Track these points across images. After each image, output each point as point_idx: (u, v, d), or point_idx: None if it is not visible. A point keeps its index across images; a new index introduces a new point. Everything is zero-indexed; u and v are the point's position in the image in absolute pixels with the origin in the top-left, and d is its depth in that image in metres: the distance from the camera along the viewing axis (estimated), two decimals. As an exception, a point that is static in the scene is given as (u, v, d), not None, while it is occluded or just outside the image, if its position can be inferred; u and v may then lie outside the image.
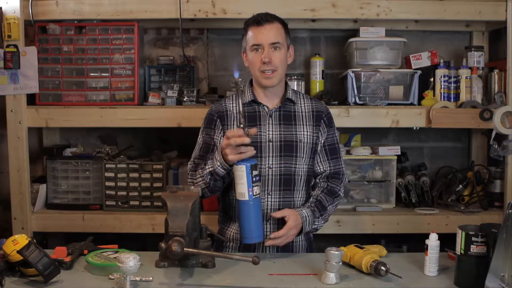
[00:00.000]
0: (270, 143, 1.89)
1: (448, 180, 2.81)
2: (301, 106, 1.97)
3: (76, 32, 2.65)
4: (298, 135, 1.92)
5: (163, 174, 2.63)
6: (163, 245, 1.45)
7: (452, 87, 2.64)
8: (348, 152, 2.76)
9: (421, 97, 2.64)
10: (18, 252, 1.42)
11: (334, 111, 2.54)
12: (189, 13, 2.53)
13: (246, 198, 1.64)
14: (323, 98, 2.67)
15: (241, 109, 1.66)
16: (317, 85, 2.80)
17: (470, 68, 2.63)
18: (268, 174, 1.88)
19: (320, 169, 1.98)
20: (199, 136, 1.99)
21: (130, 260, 1.35)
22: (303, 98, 2.01)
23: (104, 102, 2.64)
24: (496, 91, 2.63)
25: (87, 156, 2.76)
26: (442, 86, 2.64)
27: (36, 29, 2.59)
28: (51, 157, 2.72)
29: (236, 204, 1.84)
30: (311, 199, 1.95)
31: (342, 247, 1.57)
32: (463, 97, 2.60)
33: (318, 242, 2.96)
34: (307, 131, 1.94)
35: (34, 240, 1.47)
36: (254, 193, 1.64)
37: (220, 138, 1.92)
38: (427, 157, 3.04)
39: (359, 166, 2.75)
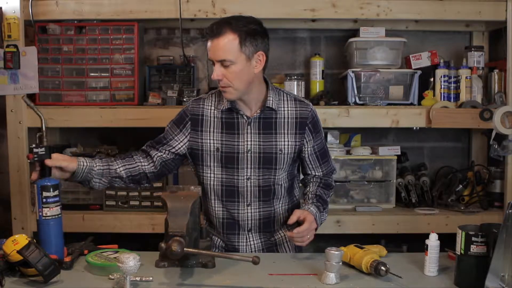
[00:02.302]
0: (249, 154, 1.80)
1: (448, 180, 2.82)
2: (284, 112, 1.83)
3: (76, 32, 2.65)
4: (278, 146, 1.82)
5: (163, 174, 2.63)
6: (163, 245, 1.45)
7: (452, 87, 2.64)
8: (348, 152, 2.76)
9: (421, 97, 2.65)
10: (18, 252, 1.42)
11: (334, 111, 2.56)
12: (189, 13, 2.53)
13: (37, 217, 1.61)
14: (323, 98, 2.67)
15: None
16: (317, 85, 2.80)
17: (470, 68, 2.63)
18: (247, 186, 1.82)
19: (312, 173, 1.94)
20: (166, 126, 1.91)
21: (130, 260, 1.35)
22: (287, 100, 1.85)
23: (104, 102, 2.64)
24: (496, 91, 2.63)
25: (87, 156, 2.75)
26: (442, 86, 2.64)
27: (36, 29, 2.59)
28: (50, 155, 2.71)
29: (214, 214, 1.87)
30: (309, 195, 1.90)
31: (342, 247, 1.57)
32: (463, 97, 2.60)
33: (318, 242, 2.96)
34: (288, 141, 1.83)
35: (34, 240, 1.47)
36: (44, 214, 1.59)
37: (184, 145, 1.84)
38: (427, 157, 3.04)
39: (359, 166, 2.75)
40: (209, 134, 1.82)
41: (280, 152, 1.82)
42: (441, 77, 2.64)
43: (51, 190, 1.61)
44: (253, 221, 1.85)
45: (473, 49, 2.69)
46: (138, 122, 2.57)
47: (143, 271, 1.49)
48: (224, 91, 1.76)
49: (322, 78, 2.81)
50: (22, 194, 2.55)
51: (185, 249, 1.41)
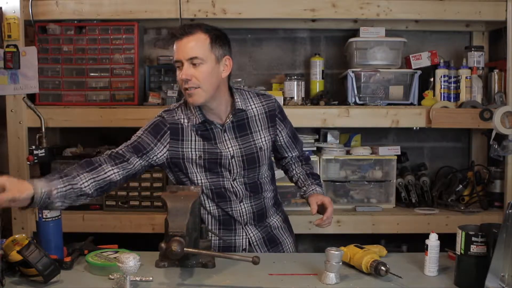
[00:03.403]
0: (233, 159, 1.81)
1: (448, 180, 2.82)
2: (253, 110, 1.85)
3: (76, 32, 2.65)
4: (257, 144, 1.85)
5: (163, 174, 2.63)
6: (163, 245, 1.45)
7: (452, 87, 2.64)
8: (348, 152, 2.76)
9: (421, 97, 2.65)
10: (18, 252, 1.42)
11: (334, 111, 2.56)
12: (189, 13, 2.53)
13: (37, 219, 1.61)
14: (323, 98, 2.67)
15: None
16: (317, 85, 2.80)
17: (470, 68, 2.63)
18: (234, 186, 1.84)
19: (289, 155, 2.01)
20: (135, 134, 1.80)
21: (130, 260, 1.35)
22: (252, 98, 1.87)
23: (104, 102, 2.64)
24: (496, 91, 2.63)
25: (87, 156, 2.75)
26: (442, 86, 2.64)
27: (36, 29, 2.59)
28: (50, 157, 2.72)
29: (204, 211, 1.87)
30: (301, 176, 1.99)
31: (342, 247, 1.57)
32: (463, 97, 2.60)
33: (318, 242, 2.97)
34: (264, 136, 1.86)
35: (34, 240, 1.47)
36: (44, 216, 1.59)
37: (163, 155, 1.77)
38: (427, 157, 3.05)
39: (359, 166, 2.75)
40: (190, 143, 1.79)
41: (260, 149, 1.86)
42: (441, 77, 2.64)
43: None
44: (247, 215, 1.88)
45: (473, 49, 2.69)
46: (138, 122, 2.56)
47: (143, 271, 1.49)
48: (190, 95, 1.70)
49: (322, 78, 2.81)
50: (22, 194, 2.54)
51: (185, 249, 1.41)
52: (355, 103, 2.62)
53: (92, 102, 2.64)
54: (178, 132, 1.78)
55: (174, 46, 1.70)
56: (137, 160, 1.74)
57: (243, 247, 1.89)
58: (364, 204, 2.74)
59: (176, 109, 1.83)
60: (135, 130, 2.80)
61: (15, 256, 1.43)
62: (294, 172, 2.02)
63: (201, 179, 1.83)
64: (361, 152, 2.72)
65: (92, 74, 2.66)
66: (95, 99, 2.65)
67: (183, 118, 1.80)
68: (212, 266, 1.59)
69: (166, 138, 1.77)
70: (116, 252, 1.62)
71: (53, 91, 2.66)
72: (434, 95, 2.65)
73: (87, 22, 2.64)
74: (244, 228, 1.88)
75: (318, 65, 2.80)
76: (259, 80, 2.99)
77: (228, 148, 1.81)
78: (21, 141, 2.53)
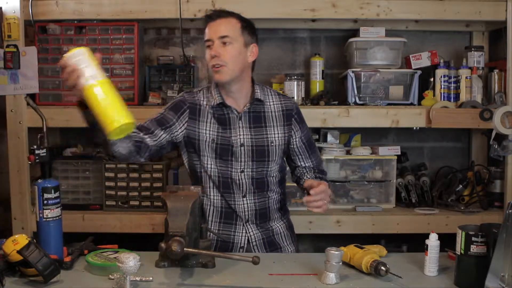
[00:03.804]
0: (242, 148, 1.86)
1: (448, 180, 2.82)
2: (270, 106, 1.92)
3: (76, 32, 2.65)
4: (269, 138, 1.89)
5: (163, 174, 2.63)
6: (163, 245, 1.45)
7: (452, 87, 2.64)
8: (348, 152, 2.76)
9: (421, 97, 2.65)
10: (18, 252, 1.41)
11: (334, 111, 2.56)
12: (189, 13, 2.53)
13: (38, 219, 1.60)
14: (323, 98, 2.67)
15: None
16: (317, 85, 2.80)
17: (470, 68, 2.63)
18: (241, 178, 1.86)
19: (302, 164, 1.99)
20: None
21: (130, 260, 1.35)
22: (271, 95, 1.95)
23: (104, 102, 2.63)
24: (496, 91, 2.63)
25: (87, 156, 2.76)
26: (442, 86, 2.64)
27: (36, 29, 2.59)
28: (51, 157, 2.72)
29: (208, 201, 1.88)
30: (308, 176, 1.96)
31: (342, 247, 1.57)
32: (463, 97, 2.60)
33: (318, 242, 2.97)
34: (278, 133, 1.90)
35: (34, 240, 1.47)
36: (45, 216, 1.59)
37: (181, 132, 1.86)
38: (427, 157, 3.05)
39: (359, 166, 2.75)
40: (205, 125, 1.86)
41: (271, 144, 1.88)
42: (441, 77, 2.64)
43: (52, 191, 1.61)
44: (249, 212, 1.89)
45: (473, 49, 2.69)
46: (138, 122, 2.56)
47: (143, 271, 1.49)
48: (217, 71, 1.80)
49: (322, 78, 2.81)
50: (22, 194, 2.55)
51: (185, 249, 1.41)
52: (355, 103, 2.62)
53: (92, 102, 2.64)
54: (196, 112, 1.87)
55: (206, 28, 1.82)
56: (161, 133, 1.82)
57: (241, 245, 1.89)
58: (364, 204, 2.74)
59: (198, 92, 1.92)
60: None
61: (15, 256, 1.43)
62: (306, 178, 1.97)
63: (211, 165, 1.86)
64: (361, 152, 2.72)
65: (92, 74, 2.65)
66: (95, 99, 2.65)
67: (203, 100, 1.89)
68: (212, 266, 1.59)
69: (185, 116, 1.86)
70: (116, 252, 1.62)
71: (53, 91, 2.66)
72: (434, 95, 2.65)
73: (87, 22, 2.64)
74: (244, 225, 1.89)
75: (318, 65, 2.80)
76: (259, 80, 2.93)
77: (239, 135, 1.86)
78: (21, 141, 2.54)
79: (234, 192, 1.87)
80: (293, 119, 1.93)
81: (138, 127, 1.78)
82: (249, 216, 1.89)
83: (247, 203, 1.88)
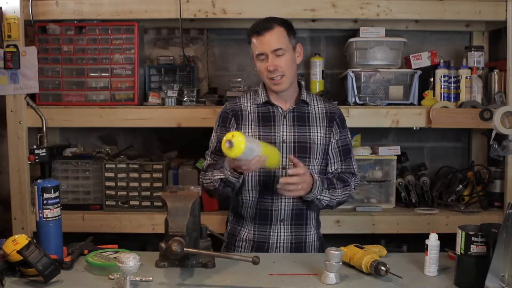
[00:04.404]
0: (284, 144, 1.90)
1: (448, 180, 2.81)
2: (314, 108, 1.97)
3: (76, 32, 2.65)
4: (311, 136, 1.92)
5: (163, 174, 2.63)
6: (163, 245, 1.45)
7: (452, 87, 2.64)
8: (348, 152, 2.76)
9: (421, 97, 2.64)
10: (18, 252, 1.42)
11: (334, 111, 2.55)
12: (189, 13, 2.53)
13: (37, 219, 1.61)
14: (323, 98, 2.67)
15: None
16: (317, 85, 2.80)
17: (470, 68, 2.63)
18: (282, 175, 1.87)
19: (331, 169, 1.98)
20: (212, 134, 1.99)
21: (130, 260, 1.35)
22: (317, 100, 2.01)
23: (104, 102, 2.64)
24: (496, 91, 2.63)
25: (87, 156, 2.76)
26: (442, 86, 2.64)
27: (36, 29, 2.59)
28: (51, 157, 2.72)
29: (246, 204, 1.91)
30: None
31: (342, 247, 1.57)
32: (463, 97, 2.60)
33: (318, 242, 2.97)
34: (320, 133, 1.94)
35: (34, 240, 1.47)
36: (45, 216, 1.59)
37: None
38: (427, 157, 3.04)
39: (359, 166, 2.74)
40: (247, 127, 1.92)
41: (313, 142, 1.92)
42: (441, 77, 2.64)
43: (52, 191, 1.61)
44: (286, 211, 1.90)
45: (473, 49, 2.69)
46: (138, 122, 2.57)
47: (143, 271, 1.49)
48: (277, 83, 1.87)
49: (322, 78, 2.81)
50: (22, 194, 2.55)
51: (185, 249, 1.41)
52: (355, 103, 2.62)
53: (92, 102, 2.64)
54: (239, 117, 1.95)
55: (254, 41, 1.87)
56: None
57: (277, 245, 1.90)
58: (364, 204, 2.74)
59: (241, 97, 2.01)
60: (135, 130, 2.80)
61: (15, 256, 1.43)
62: None
63: None
64: (361, 152, 2.72)
65: (92, 74, 2.65)
66: (95, 99, 2.65)
67: (246, 103, 1.97)
68: (212, 266, 1.59)
69: (233, 123, 1.95)
70: (116, 252, 1.62)
71: (53, 91, 2.65)
72: (434, 95, 2.65)
73: (87, 22, 2.64)
74: (279, 225, 1.90)
75: (318, 65, 2.80)
76: (259, 80, 2.95)
77: (282, 132, 1.91)
78: (21, 141, 2.54)
79: (273, 191, 1.88)
80: (335, 122, 1.97)
81: (209, 166, 1.92)
82: (285, 215, 1.90)
83: (285, 202, 1.89)
